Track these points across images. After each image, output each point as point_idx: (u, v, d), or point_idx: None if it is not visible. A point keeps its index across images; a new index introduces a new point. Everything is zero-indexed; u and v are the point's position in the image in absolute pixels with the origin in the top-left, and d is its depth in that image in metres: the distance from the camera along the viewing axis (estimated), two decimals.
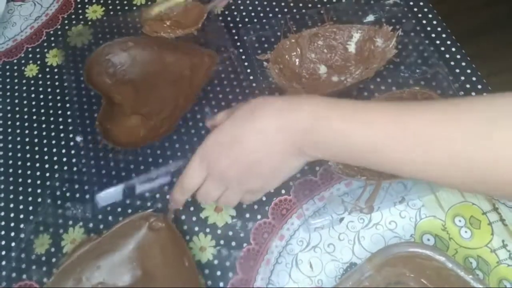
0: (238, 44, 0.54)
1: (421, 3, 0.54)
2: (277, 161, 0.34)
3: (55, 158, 0.51)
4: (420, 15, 0.53)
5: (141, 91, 0.51)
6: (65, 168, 0.50)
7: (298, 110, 0.32)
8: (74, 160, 0.50)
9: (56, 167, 0.50)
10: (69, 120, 0.52)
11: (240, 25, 0.56)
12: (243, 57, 0.53)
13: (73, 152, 0.51)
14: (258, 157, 0.34)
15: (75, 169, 0.49)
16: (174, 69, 0.52)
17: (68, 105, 0.54)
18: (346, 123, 0.31)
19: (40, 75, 0.58)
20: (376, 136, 0.30)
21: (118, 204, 0.46)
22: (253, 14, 0.57)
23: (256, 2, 0.58)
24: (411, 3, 0.54)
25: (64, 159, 0.51)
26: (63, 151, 0.51)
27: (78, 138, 0.47)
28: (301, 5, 0.57)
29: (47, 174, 0.50)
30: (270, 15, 0.56)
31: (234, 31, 0.56)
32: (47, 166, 0.50)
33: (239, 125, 0.34)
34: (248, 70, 0.52)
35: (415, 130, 0.29)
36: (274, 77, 0.49)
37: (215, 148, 0.35)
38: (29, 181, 0.50)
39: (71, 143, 0.52)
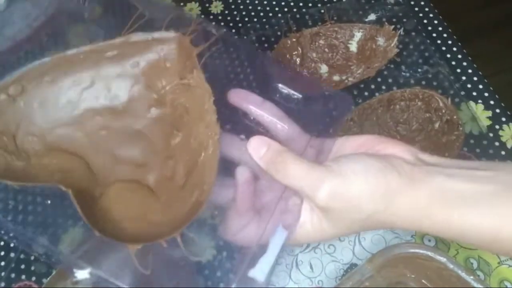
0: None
1: (422, 3, 0.54)
2: None
3: None
4: (421, 15, 0.53)
5: (86, 150, 0.30)
6: None
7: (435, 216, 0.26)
8: None
9: None
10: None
11: (240, 25, 0.56)
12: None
13: None
14: (334, 237, 0.29)
15: None
16: (116, 92, 0.31)
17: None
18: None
19: None
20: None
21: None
22: (253, 13, 0.57)
23: (256, 2, 0.58)
24: (412, 3, 0.54)
25: None
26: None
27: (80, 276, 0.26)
28: (301, 4, 0.56)
29: None
30: (270, 14, 0.56)
31: (234, 30, 0.56)
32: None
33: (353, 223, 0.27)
34: (248, 70, 0.52)
35: None
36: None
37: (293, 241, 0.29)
38: None
39: None
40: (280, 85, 0.30)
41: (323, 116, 0.28)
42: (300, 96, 0.30)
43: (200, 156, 0.28)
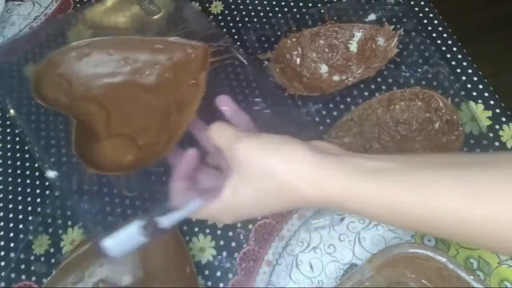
0: (238, 43, 0.54)
1: (422, 3, 0.54)
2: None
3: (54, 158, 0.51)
4: (421, 15, 0.53)
5: (113, 107, 0.41)
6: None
7: (329, 183, 0.28)
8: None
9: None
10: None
11: (240, 25, 0.56)
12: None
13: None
14: (255, 212, 0.33)
15: None
16: (152, 73, 0.42)
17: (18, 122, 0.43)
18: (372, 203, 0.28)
19: None
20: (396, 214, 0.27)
21: (117, 205, 0.46)
22: (253, 13, 0.57)
23: (256, 2, 0.58)
24: (412, 3, 0.54)
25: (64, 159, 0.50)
26: (63, 151, 0.51)
27: (51, 174, 0.35)
28: (301, 4, 0.56)
29: None
30: (270, 14, 0.56)
31: (234, 30, 0.56)
32: (46, 166, 0.50)
33: (263, 199, 0.30)
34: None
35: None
36: (275, 76, 0.49)
37: (231, 220, 0.33)
38: (28, 181, 0.50)
39: None
40: (259, 100, 0.39)
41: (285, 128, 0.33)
42: (269, 111, 0.39)
43: (178, 132, 0.37)
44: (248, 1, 0.58)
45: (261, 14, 0.57)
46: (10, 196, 0.49)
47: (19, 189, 0.49)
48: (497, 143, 0.44)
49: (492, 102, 0.46)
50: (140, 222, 0.30)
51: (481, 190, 0.25)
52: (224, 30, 0.56)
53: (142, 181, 0.37)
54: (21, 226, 0.47)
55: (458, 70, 0.48)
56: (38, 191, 0.49)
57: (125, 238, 0.30)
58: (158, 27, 0.43)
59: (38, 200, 0.48)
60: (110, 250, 0.29)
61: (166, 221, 0.30)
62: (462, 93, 0.46)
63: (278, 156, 0.29)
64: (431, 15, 0.53)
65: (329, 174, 0.28)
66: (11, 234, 0.47)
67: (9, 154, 0.52)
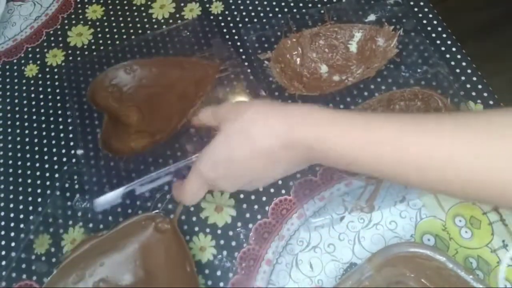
0: (239, 44, 0.54)
1: (422, 3, 0.54)
2: (279, 174, 0.35)
3: (55, 158, 0.51)
4: (420, 15, 0.53)
5: (147, 111, 0.51)
6: (65, 168, 0.50)
7: (300, 126, 0.32)
8: (73, 160, 0.50)
9: (56, 167, 0.50)
10: (70, 128, 0.53)
11: (240, 25, 0.56)
12: (244, 56, 0.53)
13: (72, 152, 0.51)
14: (260, 175, 0.35)
15: (75, 168, 0.49)
16: (179, 86, 0.52)
17: (68, 112, 0.54)
18: (348, 142, 0.31)
19: (40, 75, 0.58)
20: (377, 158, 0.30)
21: (118, 204, 0.46)
22: (253, 14, 0.57)
23: (256, 2, 0.58)
24: (412, 3, 0.54)
25: (64, 159, 0.51)
26: (63, 151, 0.51)
27: (79, 152, 0.48)
28: (301, 4, 0.56)
29: (47, 174, 0.50)
30: (270, 14, 0.56)
31: (234, 31, 0.56)
32: (46, 166, 0.50)
33: (236, 146, 0.33)
34: (249, 70, 0.52)
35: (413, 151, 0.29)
36: (275, 76, 0.49)
37: (211, 170, 0.35)
38: (29, 181, 0.50)
39: (71, 143, 0.52)
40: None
41: None
42: None
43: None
44: (248, 2, 0.58)
45: (261, 14, 0.57)
46: (11, 196, 0.49)
47: (20, 188, 0.50)
48: None
49: (491, 102, 0.46)
50: (123, 190, 0.42)
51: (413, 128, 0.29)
52: (224, 30, 0.56)
53: (134, 161, 0.48)
54: (22, 225, 0.47)
55: (458, 70, 0.48)
56: (39, 190, 0.49)
57: (109, 200, 0.42)
58: (188, 49, 0.55)
59: (39, 199, 0.48)
60: (96, 206, 0.43)
61: (141, 189, 0.43)
62: (462, 93, 0.46)
63: (251, 110, 0.33)
64: (430, 15, 0.53)
65: (299, 121, 0.32)
66: (12, 234, 0.47)
67: (9, 154, 0.52)
